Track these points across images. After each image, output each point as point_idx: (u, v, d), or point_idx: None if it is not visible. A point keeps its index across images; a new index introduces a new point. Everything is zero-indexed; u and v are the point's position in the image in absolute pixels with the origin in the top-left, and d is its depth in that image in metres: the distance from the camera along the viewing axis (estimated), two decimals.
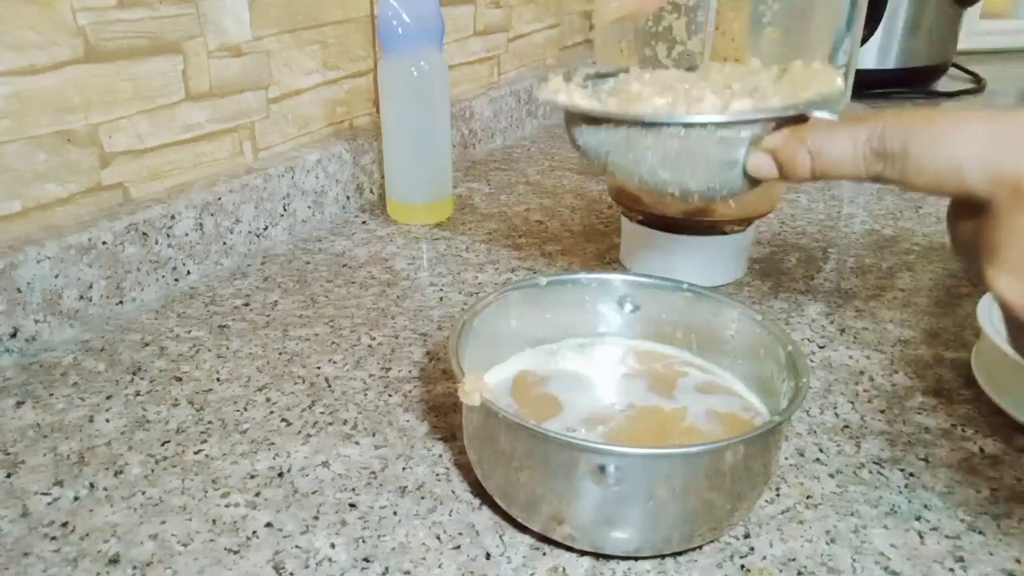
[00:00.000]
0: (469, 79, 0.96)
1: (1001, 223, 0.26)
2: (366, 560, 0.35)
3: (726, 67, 0.40)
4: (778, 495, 0.39)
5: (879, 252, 0.67)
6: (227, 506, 0.38)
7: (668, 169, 0.35)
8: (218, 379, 0.48)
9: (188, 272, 0.60)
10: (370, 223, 0.72)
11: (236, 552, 0.35)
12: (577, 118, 0.36)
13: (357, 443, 0.42)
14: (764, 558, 0.35)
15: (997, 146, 0.26)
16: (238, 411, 0.45)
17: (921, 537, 0.36)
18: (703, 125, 0.33)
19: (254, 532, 0.36)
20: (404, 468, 0.41)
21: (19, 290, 0.49)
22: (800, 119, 0.33)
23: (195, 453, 0.42)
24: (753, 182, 0.34)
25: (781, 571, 0.34)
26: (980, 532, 0.37)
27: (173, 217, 0.58)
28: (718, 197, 0.36)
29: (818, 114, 0.33)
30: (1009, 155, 0.25)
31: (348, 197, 0.74)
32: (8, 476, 0.40)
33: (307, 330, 0.54)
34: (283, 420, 0.44)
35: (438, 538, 0.36)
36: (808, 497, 0.39)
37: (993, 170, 0.26)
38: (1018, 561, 0.35)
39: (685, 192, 0.35)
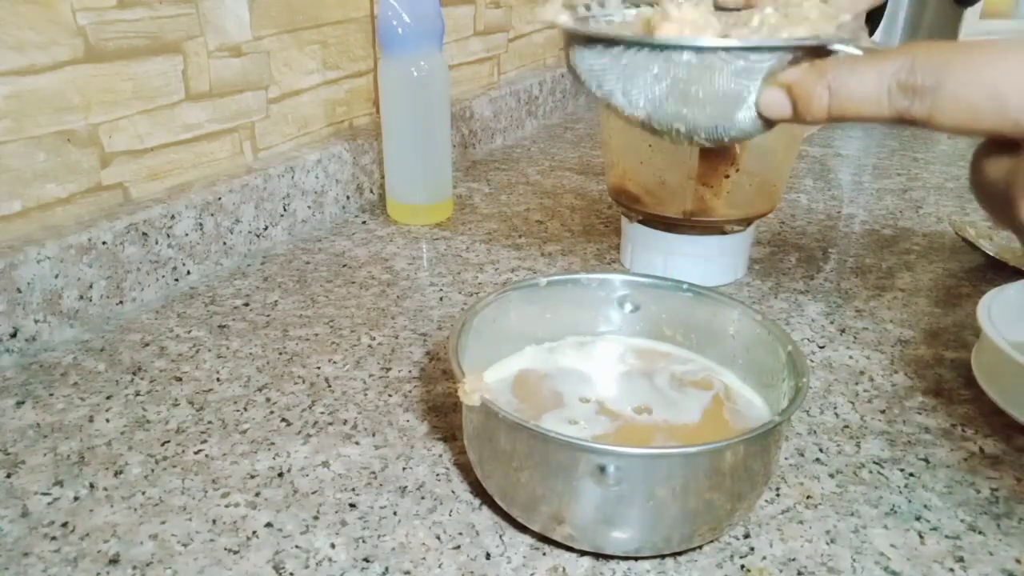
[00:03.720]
0: (469, 79, 0.96)
1: None
2: (366, 560, 0.35)
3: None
4: (778, 495, 0.39)
5: (879, 252, 0.67)
6: (227, 506, 0.38)
7: (675, 101, 0.32)
8: (218, 379, 0.48)
9: (188, 272, 0.60)
10: (370, 223, 0.72)
11: (236, 552, 0.35)
12: (579, 40, 0.34)
13: (357, 443, 0.42)
14: (764, 558, 0.35)
15: None
16: (238, 411, 0.45)
17: (921, 537, 0.36)
18: (716, 50, 0.31)
19: (254, 532, 0.36)
20: (404, 468, 0.41)
21: (19, 290, 0.49)
22: (823, 53, 0.31)
23: (195, 453, 0.42)
24: (765, 124, 0.32)
25: (781, 571, 0.34)
26: (980, 532, 0.37)
27: (173, 217, 0.58)
28: (726, 138, 0.33)
29: (843, 47, 0.30)
30: None
31: (348, 197, 0.74)
32: (8, 476, 0.40)
33: (307, 330, 0.54)
34: (283, 420, 0.44)
35: (438, 538, 0.36)
36: (808, 497, 0.39)
37: None
38: (1018, 561, 0.35)
39: (692, 129, 0.33)
